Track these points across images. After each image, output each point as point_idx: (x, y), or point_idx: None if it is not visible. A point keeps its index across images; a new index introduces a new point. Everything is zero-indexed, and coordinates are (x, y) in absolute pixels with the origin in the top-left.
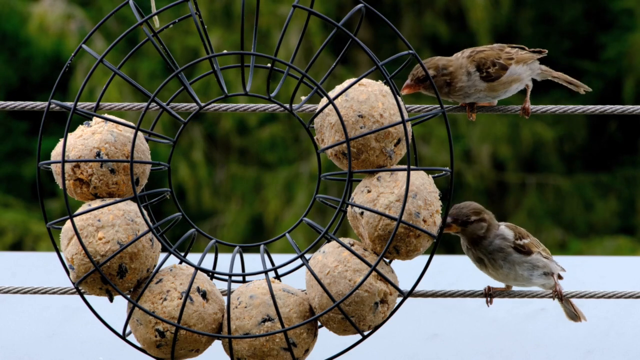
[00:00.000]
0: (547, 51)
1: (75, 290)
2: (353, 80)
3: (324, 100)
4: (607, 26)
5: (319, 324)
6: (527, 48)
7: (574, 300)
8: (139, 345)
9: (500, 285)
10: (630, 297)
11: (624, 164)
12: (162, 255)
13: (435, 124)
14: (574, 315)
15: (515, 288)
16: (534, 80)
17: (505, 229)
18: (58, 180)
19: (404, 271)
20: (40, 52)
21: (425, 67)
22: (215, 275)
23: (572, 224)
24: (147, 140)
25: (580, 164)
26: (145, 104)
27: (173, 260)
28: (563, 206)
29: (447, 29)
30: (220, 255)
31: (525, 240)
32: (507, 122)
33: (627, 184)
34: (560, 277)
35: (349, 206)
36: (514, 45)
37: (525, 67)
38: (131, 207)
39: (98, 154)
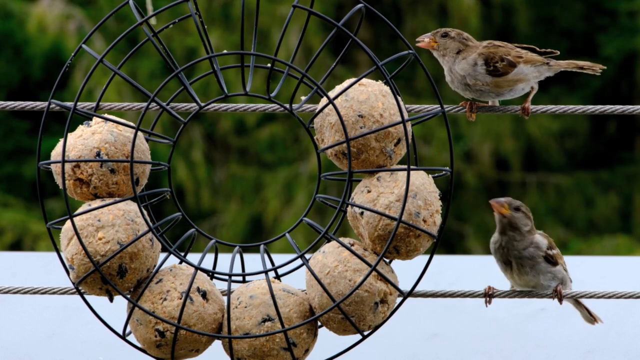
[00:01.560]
0: (558, 52)
1: (75, 290)
2: (353, 80)
3: (324, 100)
4: (605, 26)
5: (319, 324)
6: (537, 49)
7: (586, 304)
8: (139, 345)
9: (506, 287)
10: (630, 297)
11: (624, 162)
12: (162, 255)
13: (435, 125)
14: (591, 319)
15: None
16: (547, 78)
17: (540, 237)
18: (58, 180)
19: (404, 271)
20: (39, 52)
21: (444, 29)
22: (215, 275)
23: (572, 221)
24: (147, 140)
25: (581, 161)
26: (145, 104)
27: (173, 260)
28: (564, 204)
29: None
30: (220, 255)
31: (554, 250)
32: (509, 118)
33: (628, 181)
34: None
35: (349, 206)
36: (524, 46)
37: (533, 69)
38: (131, 207)
39: (98, 154)
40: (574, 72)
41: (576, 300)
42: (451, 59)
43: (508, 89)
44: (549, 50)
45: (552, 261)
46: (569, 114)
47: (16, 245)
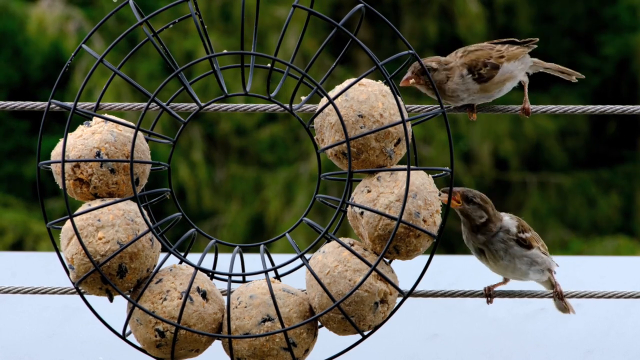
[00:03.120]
0: (537, 39)
1: (75, 290)
2: (353, 80)
3: (324, 100)
4: (606, 25)
5: (319, 324)
6: (517, 40)
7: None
8: (139, 345)
9: (498, 279)
10: (630, 297)
11: (625, 160)
12: (162, 255)
13: (435, 126)
14: (564, 308)
15: (515, 288)
16: (543, 76)
17: (509, 220)
18: (58, 180)
19: (404, 271)
20: (39, 53)
21: (424, 63)
22: (215, 275)
23: (575, 222)
24: (147, 140)
25: (582, 160)
26: (145, 104)
27: (173, 260)
28: (566, 204)
29: (447, 29)
30: (220, 255)
31: (527, 234)
32: (508, 117)
33: (628, 179)
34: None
35: (349, 206)
36: (504, 40)
37: (517, 63)
38: (131, 207)
39: (98, 154)
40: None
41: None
42: (443, 90)
43: (497, 90)
44: (528, 39)
45: (525, 244)
46: (569, 114)
47: (17, 246)
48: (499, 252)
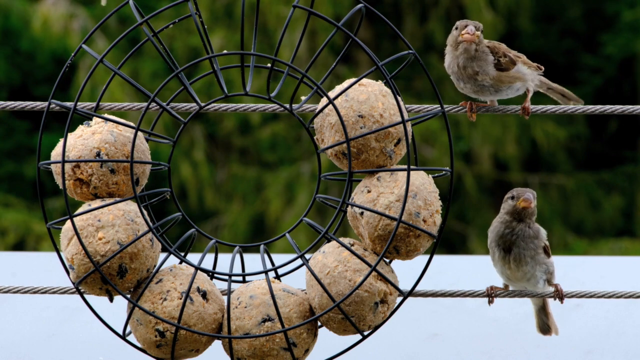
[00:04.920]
0: (543, 68)
1: (75, 290)
2: (353, 80)
3: (324, 100)
4: (607, 25)
5: (319, 324)
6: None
7: (551, 313)
8: (139, 345)
9: (499, 282)
10: (630, 297)
11: (625, 161)
12: (162, 255)
13: (438, 128)
14: (546, 329)
15: (514, 288)
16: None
17: (541, 227)
18: (58, 180)
19: (404, 271)
20: (44, 51)
21: (473, 22)
22: (215, 275)
23: (579, 225)
24: (147, 140)
25: (582, 161)
26: (145, 104)
27: (173, 260)
28: (569, 206)
29: (447, 30)
30: (220, 255)
31: (547, 242)
32: (514, 123)
33: (629, 181)
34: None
35: (349, 206)
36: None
37: (529, 71)
38: (131, 207)
39: (98, 154)
40: (570, 75)
41: (544, 306)
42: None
43: (507, 85)
44: (536, 65)
45: (547, 252)
46: (569, 113)
47: (19, 246)
48: (526, 257)
